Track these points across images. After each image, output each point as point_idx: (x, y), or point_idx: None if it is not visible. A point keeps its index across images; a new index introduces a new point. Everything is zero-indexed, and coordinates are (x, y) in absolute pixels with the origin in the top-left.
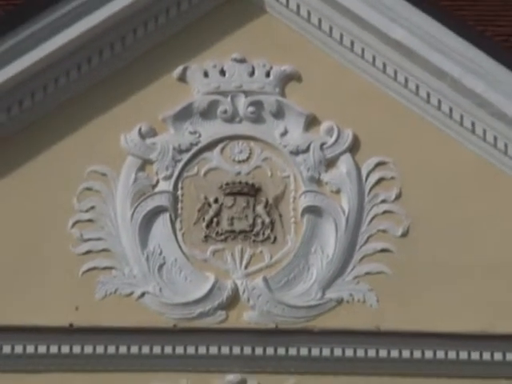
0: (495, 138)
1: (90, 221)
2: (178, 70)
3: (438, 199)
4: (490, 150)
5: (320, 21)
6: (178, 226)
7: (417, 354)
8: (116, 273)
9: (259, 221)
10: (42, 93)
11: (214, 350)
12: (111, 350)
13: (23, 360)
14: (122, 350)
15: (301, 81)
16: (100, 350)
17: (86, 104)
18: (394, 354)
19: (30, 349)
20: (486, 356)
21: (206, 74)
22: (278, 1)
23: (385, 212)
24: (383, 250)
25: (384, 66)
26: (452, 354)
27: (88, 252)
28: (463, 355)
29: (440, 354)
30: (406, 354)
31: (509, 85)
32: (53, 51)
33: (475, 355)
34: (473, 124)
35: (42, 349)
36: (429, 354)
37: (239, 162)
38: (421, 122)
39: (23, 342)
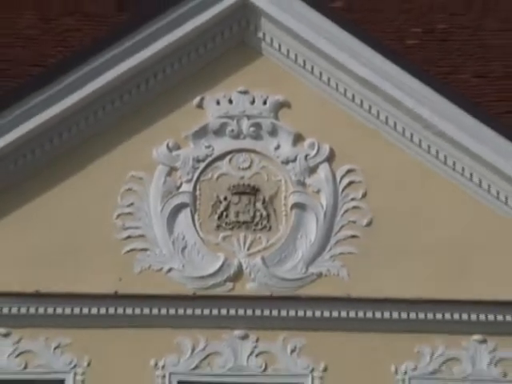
0: (437, 152)
1: (129, 214)
2: (197, 99)
3: (393, 197)
4: (432, 160)
5: (304, 62)
6: (196, 217)
7: (378, 315)
8: (149, 253)
9: (258, 214)
10: (93, 117)
11: (223, 312)
12: (146, 311)
13: (81, 319)
14: (154, 311)
15: (290, 107)
16: (137, 311)
17: (128, 126)
18: (361, 314)
19: (85, 310)
20: (430, 316)
21: (217, 103)
22: (272, 46)
23: (354, 207)
24: (353, 236)
25: (353, 96)
26: (404, 315)
27: (128, 237)
28: (412, 316)
29: (395, 315)
30: (369, 314)
31: (454, 114)
32: (101, 87)
33: (421, 315)
34: (420, 140)
35: (94, 310)
36: (386, 315)
37: (243, 169)
38: (381, 139)
39: (81, 305)
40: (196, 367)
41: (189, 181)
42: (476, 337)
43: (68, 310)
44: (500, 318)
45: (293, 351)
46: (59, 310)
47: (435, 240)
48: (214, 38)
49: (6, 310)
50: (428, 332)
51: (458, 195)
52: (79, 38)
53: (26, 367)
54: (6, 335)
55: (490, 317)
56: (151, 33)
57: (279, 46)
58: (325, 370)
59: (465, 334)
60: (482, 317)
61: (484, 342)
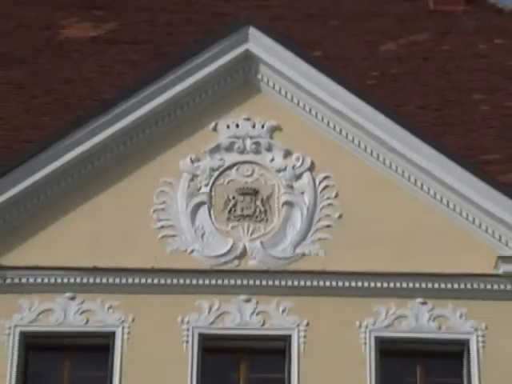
0: (390, 163)
1: (162, 209)
2: (212, 124)
3: (358, 197)
4: (386, 169)
5: (292, 97)
6: (211, 212)
7: (346, 284)
8: (177, 238)
9: (258, 209)
10: (136, 138)
11: (232, 282)
12: (174, 281)
13: (127, 287)
14: (181, 281)
15: (281, 130)
16: (168, 281)
17: (161, 144)
18: (334, 284)
19: (130, 280)
20: (385, 285)
21: (228, 127)
22: (268, 85)
23: (328, 204)
24: (328, 226)
25: (328, 122)
26: (366, 284)
27: (162, 227)
28: (372, 284)
29: (359, 284)
30: (340, 284)
31: (402, 135)
32: (142, 115)
33: (378, 284)
34: (378, 155)
35: (136, 280)
36: (353, 284)
37: (246, 176)
38: (349, 155)
39: (127, 277)
40: (212, 323)
41: (206, 185)
42: (418, 300)
43: (117, 280)
44: (436, 286)
45: (283, 311)
46: (111, 280)
47: (388, 229)
48: (224, 79)
49: (72, 280)
50: (383, 297)
51: (405, 195)
52: (133, 74)
53: (87, 322)
54: (72, 298)
55: (429, 285)
56: (180, 75)
57: (273, 85)
58: (307, 324)
59: (410, 298)
60: (423, 285)
61: (425, 303)
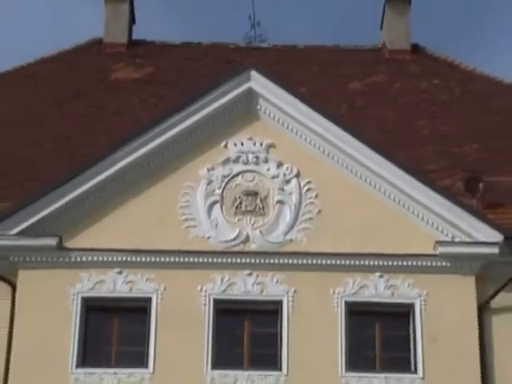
0: (359, 172)
1: (186, 206)
2: (223, 143)
3: (333, 197)
4: (356, 178)
5: (283, 122)
6: (223, 208)
7: (323, 262)
8: (197, 228)
9: (257, 206)
10: (166, 152)
11: (238, 260)
12: (195, 260)
13: (160, 264)
14: (200, 260)
15: (275, 147)
16: (191, 259)
17: (185, 157)
18: (314, 261)
19: (163, 259)
20: (352, 262)
21: (235, 145)
22: (265, 114)
23: (310, 203)
24: (310, 219)
25: (310, 141)
26: (338, 262)
27: (186, 219)
28: (342, 262)
29: (333, 262)
30: (318, 261)
31: (368, 153)
32: (172, 135)
33: (347, 262)
34: (347, 165)
35: (167, 259)
36: (328, 262)
37: (249, 181)
38: (326, 164)
39: (161, 256)
40: (223, 291)
41: (219, 188)
42: (377, 274)
43: (153, 259)
44: (390, 263)
45: (276, 282)
46: (148, 259)
47: (355, 221)
48: (233, 109)
49: (119, 259)
50: (351, 271)
51: (367, 196)
52: (164, 106)
53: (130, 290)
54: (120, 272)
55: (385, 263)
56: (199, 107)
57: (269, 113)
58: (294, 292)
59: (371, 272)
60: (381, 263)
61: (381, 276)
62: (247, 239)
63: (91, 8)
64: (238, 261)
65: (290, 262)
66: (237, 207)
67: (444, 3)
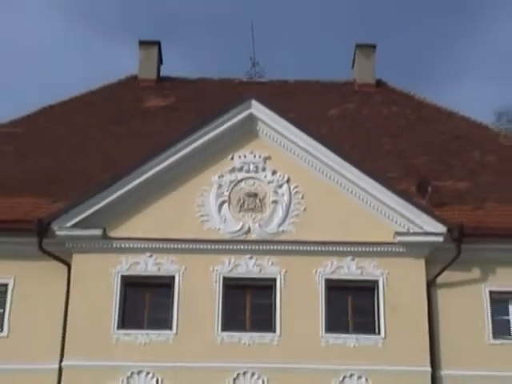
0: (334, 178)
1: (202, 205)
2: (230, 156)
3: (315, 198)
4: (336, 185)
5: (277, 140)
6: (230, 207)
7: (310, 248)
8: (210, 222)
9: (257, 205)
10: (186, 162)
11: (242, 247)
12: (208, 246)
13: (180, 250)
14: (211, 247)
15: (271, 159)
16: (205, 246)
17: (200, 167)
18: (301, 248)
19: (182, 246)
20: (331, 249)
21: (239, 157)
22: (263, 133)
23: (298, 203)
24: (297, 215)
25: (298, 154)
26: (320, 248)
27: (201, 215)
28: (323, 248)
29: (317, 249)
30: (305, 248)
31: (345, 167)
32: (191, 150)
33: (327, 248)
34: (327, 173)
35: (187, 246)
36: (313, 248)
37: (250, 185)
38: (310, 174)
39: (179, 244)
40: (230, 270)
41: (227, 191)
42: (350, 257)
43: (176, 246)
44: (360, 249)
45: (272, 264)
46: (173, 246)
47: (332, 216)
48: (238, 130)
49: (150, 245)
50: (330, 255)
51: (342, 198)
52: (185, 128)
53: (159, 270)
54: (150, 256)
55: (356, 249)
56: (212, 128)
57: (266, 133)
58: (285, 272)
59: (345, 256)
60: (353, 249)
61: (353, 259)
62: (249, 230)
63: (129, 52)
64: (242, 247)
65: (282, 248)
66: (241, 206)
67: (402, 49)
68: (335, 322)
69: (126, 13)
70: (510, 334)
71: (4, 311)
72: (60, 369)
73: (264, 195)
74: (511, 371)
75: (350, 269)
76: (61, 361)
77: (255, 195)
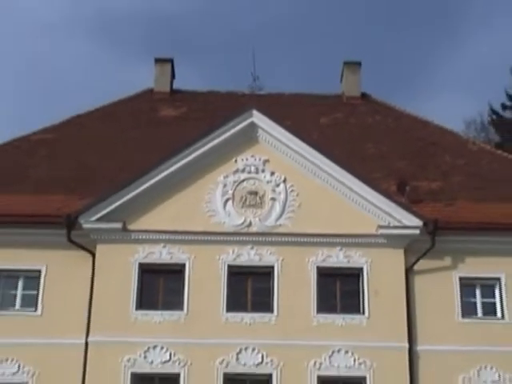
0: (324, 178)
1: (209, 201)
2: (234, 159)
3: (308, 196)
4: (326, 184)
5: (275, 145)
6: (234, 203)
7: (302, 240)
8: (216, 216)
9: (258, 202)
10: (196, 165)
11: (244, 238)
12: (214, 238)
13: (190, 241)
14: (218, 235)
15: (269, 162)
16: (212, 238)
17: (209, 168)
18: (295, 240)
19: (192, 237)
20: (321, 240)
21: (242, 160)
22: (263, 139)
23: (293, 199)
24: (292, 210)
25: (294, 158)
26: (309, 240)
27: (208, 210)
28: (314, 240)
29: (307, 240)
30: (298, 239)
31: (332, 167)
32: (201, 153)
33: (317, 240)
34: (318, 175)
35: (195, 237)
36: (302, 240)
37: (251, 184)
38: (304, 174)
39: (191, 236)
40: (234, 259)
41: (231, 189)
42: (338, 248)
43: (186, 237)
44: (347, 240)
45: (270, 253)
46: (183, 237)
47: (322, 212)
48: (241, 136)
49: (164, 237)
50: (320, 246)
51: (331, 196)
52: (195, 134)
53: (171, 258)
54: (164, 246)
55: (343, 240)
56: (217, 135)
57: (265, 139)
58: (282, 260)
59: (334, 247)
60: (341, 240)
61: (341, 249)
62: (250, 224)
63: (146, 68)
64: (244, 239)
65: (279, 239)
66: (243, 202)
67: (384, 65)
68: (325, 304)
69: (144, 34)
70: (476, 315)
71: (38, 293)
72: (86, 343)
73: (263, 193)
74: (477, 346)
75: (338, 258)
76: (87, 336)
77: (256, 193)
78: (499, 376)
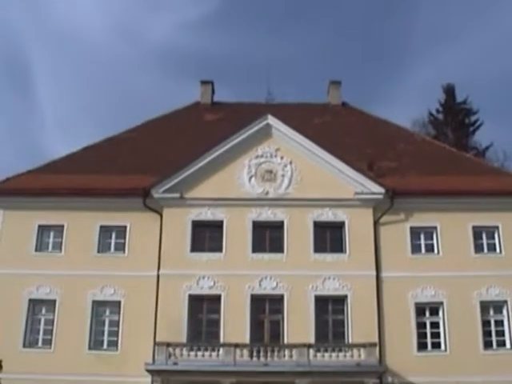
0: (323, 166)
1: (239, 178)
2: (255, 148)
3: (310, 176)
4: (322, 169)
5: (284, 138)
6: (256, 179)
7: (303, 203)
8: (244, 188)
9: (273, 177)
10: (221, 157)
11: (263, 202)
12: (244, 202)
13: (226, 204)
14: (245, 201)
15: (280, 150)
16: (241, 202)
17: (238, 156)
18: (299, 203)
19: (230, 202)
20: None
21: (261, 149)
22: (276, 135)
23: (297, 175)
24: (296, 183)
25: (300, 149)
26: (309, 202)
27: (239, 184)
28: (310, 203)
29: (307, 202)
30: (301, 203)
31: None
32: (226, 149)
33: (314, 202)
34: (318, 163)
35: (232, 202)
36: (305, 203)
37: (268, 166)
38: (307, 161)
39: (229, 202)
40: (257, 217)
41: (254, 169)
42: (327, 208)
43: (224, 202)
44: (334, 203)
45: (282, 212)
46: (222, 202)
47: (319, 184)
48: (260, 132)
49: (208, 202)
50: (316, 207)
51: (329, 177)
52: (225, 134)
53: (214, 216)
54: (208, 209)
55: (331, 202)
56: (243, 131)
57: (277, 134)
58: (290, 217)
59: (325, 207)
60: (330, 203)
61: (330, 209)
62: (267, 193)
63: (193, 87)
64: (263, 203)
65: (288, 203)
66: (262, 178)
67: (358, 82)
68: (319, 246)
69: (193, 64)
70: (421, 252)
71: (125, 242)
72: (158, 275)
73: (276, 171)
74: (421, 272)
75: (328, 215)
76: (158, 270)
77: (271, 171)
78: (435, 292)
